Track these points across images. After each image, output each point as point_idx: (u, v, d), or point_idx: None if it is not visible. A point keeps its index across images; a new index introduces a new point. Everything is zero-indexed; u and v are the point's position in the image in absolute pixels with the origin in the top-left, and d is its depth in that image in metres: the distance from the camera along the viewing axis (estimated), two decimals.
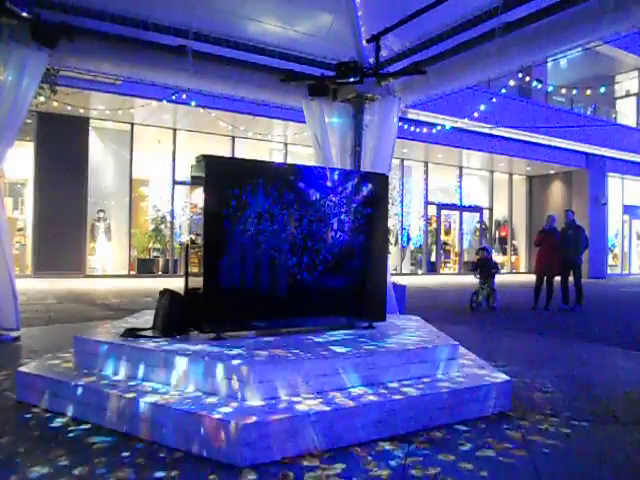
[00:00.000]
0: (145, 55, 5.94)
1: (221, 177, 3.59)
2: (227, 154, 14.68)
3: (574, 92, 14.40)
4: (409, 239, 19.17)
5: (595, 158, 20.53)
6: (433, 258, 19.64)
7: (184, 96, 9.35)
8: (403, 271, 18.42)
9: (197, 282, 3.61)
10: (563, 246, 9.52)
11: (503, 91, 12.34)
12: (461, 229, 20.27)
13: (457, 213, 20.35)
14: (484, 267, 9.23)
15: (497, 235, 22.06)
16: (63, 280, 12.56)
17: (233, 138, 15.39)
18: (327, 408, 2.75)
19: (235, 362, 2.92)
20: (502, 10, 5.08)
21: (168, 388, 3.03)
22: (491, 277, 9.22)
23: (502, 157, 18.96)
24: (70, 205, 13.30)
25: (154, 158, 15.21)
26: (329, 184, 3.96)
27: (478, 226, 21.02)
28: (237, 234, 3.55)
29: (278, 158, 16.35)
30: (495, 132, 16.88)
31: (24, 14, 5.06)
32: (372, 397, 2.95)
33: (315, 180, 3.90)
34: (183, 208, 15.28)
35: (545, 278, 9.59)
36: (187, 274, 3.85)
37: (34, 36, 5.12)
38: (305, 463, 2.50)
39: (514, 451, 2.73)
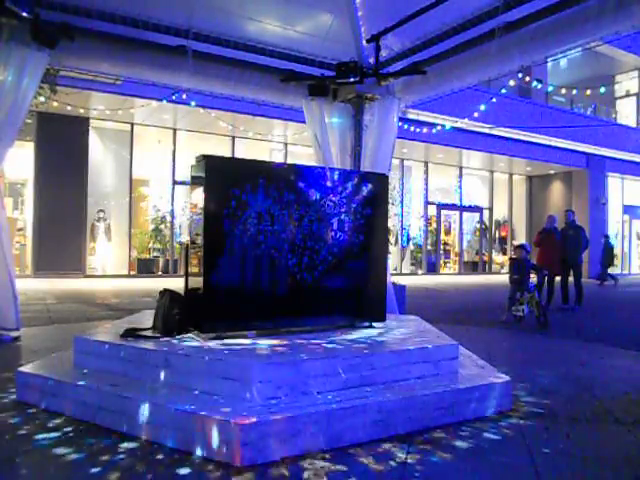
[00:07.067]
0: (145, 55, 5.95)
1: (221, 177, 3.59)
2: (227, 154, 14.69)
3: (574, 92, 14.40)
4: (409, 239, 19.16)
5: (595, 158, 20.51)
6: (433, 258, 19.64)
7: (184, 96, 9.34)
8: (403, 271, 18.42)
9: (197, 282, 3.61)
10: (563, 246, 9.52)
11: (503, 91, 12.32)
12: (461, 229, 20.27)
13: (457, 213, 20.35)
14: (521, 269, 7.75)
15: (497, 235, 22.06)
16: (63, 280, 12.55)
17: (233, 138, 15.39)
18: (327, 408, 2.76)
19: (235, 362, 2.92)
20: (502, 10, 5.08)
21: (168, 388, 3.03)
22: (528, 282, 7.78)
23: (502, 157, 18.95)
24: (70, 205, 13.30)
25: (154, 158, 15.22)
26: (329, 184, 3.96)
27: (478, 226, 21.02)
28: (237, 234, 3.55)
29: (278, 158, 16.34)
30: (495, 132, 16.86)
31: (24, 14, 5.05)
32: (372, 397, 2.95)
33: (315, 180, 3.90)
34: (183, 208, 15.28)
35: (546, 278, 9.58)
36: (187, 274, 3.85)
37: (34, 36, 5.11)
38: (305, 463, 2.50)
39: (514, 451, 2.73)
